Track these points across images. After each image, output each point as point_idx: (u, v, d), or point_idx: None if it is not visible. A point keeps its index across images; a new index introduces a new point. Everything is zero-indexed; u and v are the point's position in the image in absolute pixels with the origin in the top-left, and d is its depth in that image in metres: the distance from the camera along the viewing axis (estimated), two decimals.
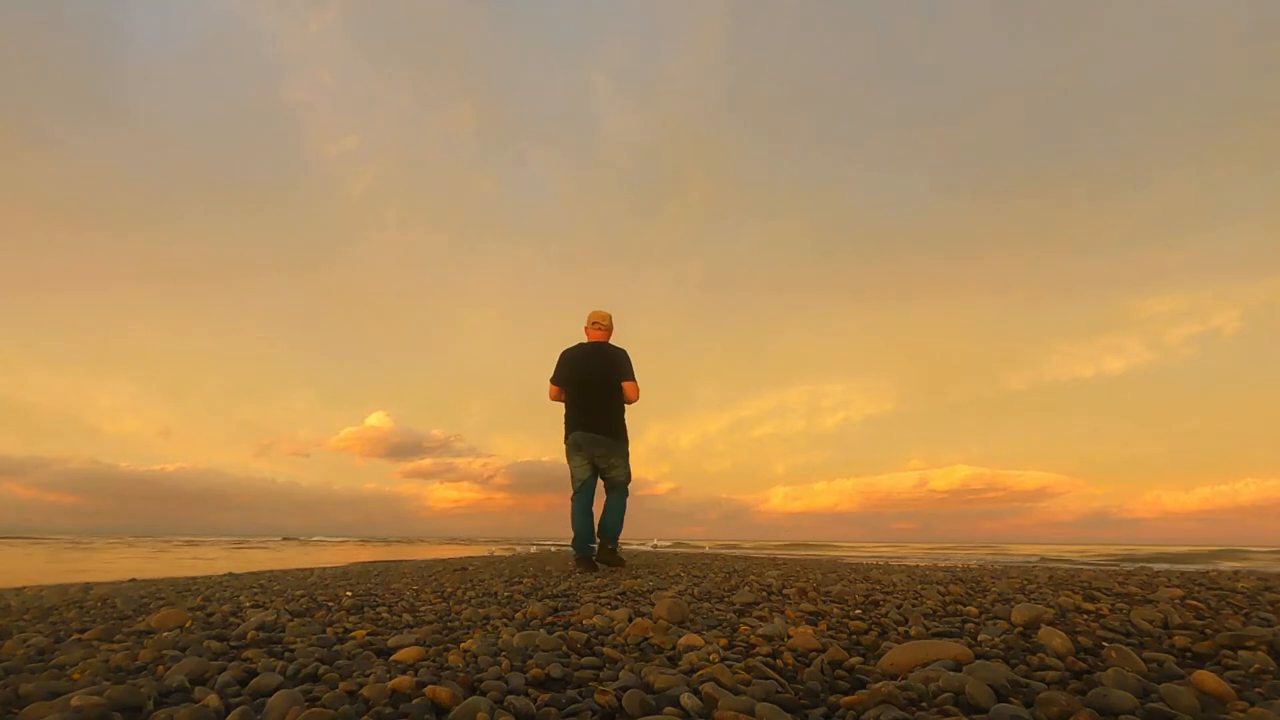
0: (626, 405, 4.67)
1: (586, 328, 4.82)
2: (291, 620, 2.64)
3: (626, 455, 4.67)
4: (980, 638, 2.05)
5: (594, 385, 4.65)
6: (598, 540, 4.68)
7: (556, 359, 4.78)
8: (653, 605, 2.91)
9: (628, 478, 4.71)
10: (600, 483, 4.79)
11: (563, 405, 4.81)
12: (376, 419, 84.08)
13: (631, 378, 4.65)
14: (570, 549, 4.84)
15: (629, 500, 4.72)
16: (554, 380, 4.76)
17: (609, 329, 4.86)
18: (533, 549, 18.36)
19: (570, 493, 4.71)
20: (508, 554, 12.33)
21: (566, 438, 4.71)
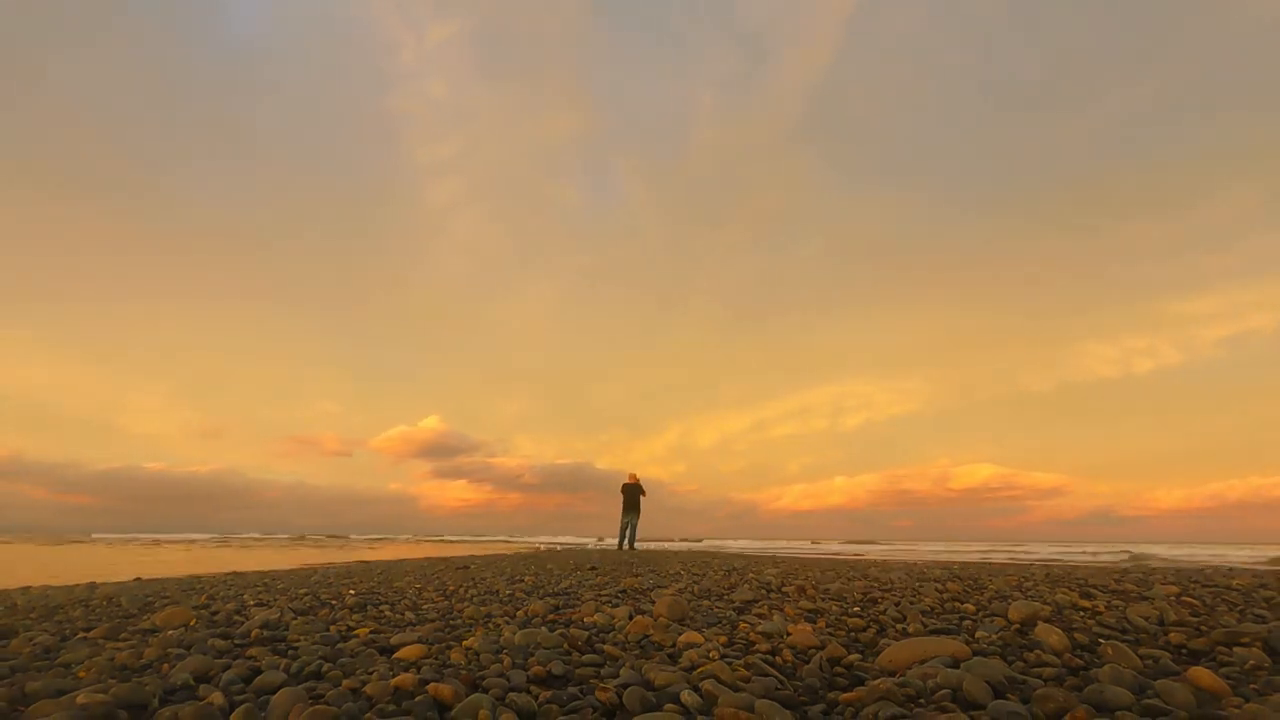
0: (643, 498, 14.18)
1: (628, 476, 14.12)
2: (295, 619, 2.66)
3: (639, 518, 14.04)
4: (978, 635, 2.06)
5: (632, 497, 14.06)
6: (626, 543, 14.11)
7: (620, 487, 14.41)
8: (653, 603, 2.93)
9: (638, 522, 14.31)
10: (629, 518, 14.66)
11: (621, 497, 14.24)
12: (431, 421, 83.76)
13: (644, 493, 14.13)
14: (614, 542, 15.04)
15: (639, 516, 14.31)
16: (622, 492, 14.20)
17: (636, 477, 14.10)
18: (608, 541, 19.10)
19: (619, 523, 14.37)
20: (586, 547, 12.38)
21: (623, 513, 13.91)
